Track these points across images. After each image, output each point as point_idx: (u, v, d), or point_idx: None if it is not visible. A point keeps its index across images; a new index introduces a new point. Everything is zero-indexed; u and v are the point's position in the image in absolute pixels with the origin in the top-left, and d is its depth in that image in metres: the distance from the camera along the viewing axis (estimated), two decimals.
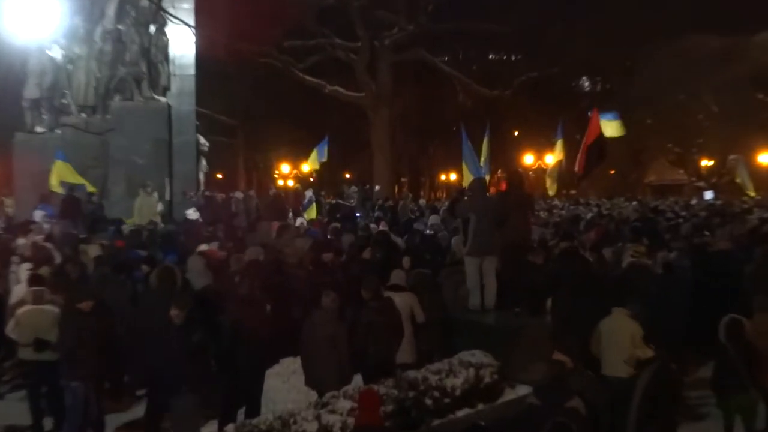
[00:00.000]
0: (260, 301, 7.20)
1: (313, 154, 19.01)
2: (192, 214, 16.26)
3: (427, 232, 13.93)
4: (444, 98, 36.97)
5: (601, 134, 12.05)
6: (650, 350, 6.26)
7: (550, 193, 16.53)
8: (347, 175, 47.55)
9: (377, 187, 22.53)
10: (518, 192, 9.32)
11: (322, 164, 19.27)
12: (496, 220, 8.59)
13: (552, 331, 7.38)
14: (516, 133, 42.70)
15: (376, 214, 17.67)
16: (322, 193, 23.54)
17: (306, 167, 21.27)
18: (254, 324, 6.83)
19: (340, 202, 19.90)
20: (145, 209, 15.40)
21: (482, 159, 15.01)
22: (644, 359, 6.10)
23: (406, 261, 9.00)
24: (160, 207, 16.04)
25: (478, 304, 8.57)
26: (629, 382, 5.93)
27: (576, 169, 12.52)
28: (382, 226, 14.27)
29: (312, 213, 16.85)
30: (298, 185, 22.69)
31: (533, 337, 7.47)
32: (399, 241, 11.58)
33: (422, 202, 24.98)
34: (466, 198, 9.79)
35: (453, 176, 39.12)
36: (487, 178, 14.03)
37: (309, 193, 18.55)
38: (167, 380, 6.21)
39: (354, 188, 20.80)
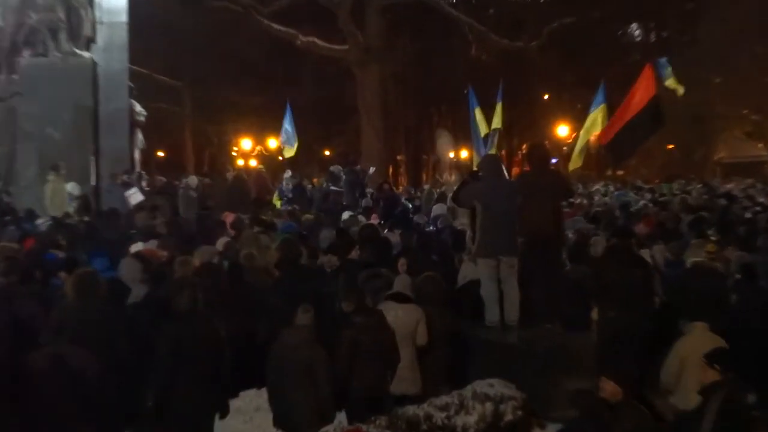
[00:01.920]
0: (211, 318, 7.15)
1: (283, 137, 19.92)
2: (134, 195, 16.27)
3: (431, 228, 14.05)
4: (451, 52, 37.00)
5: (656, 96, 12.03)
6: (714, 372, 6.08)
7: (570, 167, 16.68)
8: (327, 153, 47.66)
9: (372, 169, 22.54)
10: (543, 171, 9.29)
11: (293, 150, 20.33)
12: (509, 210, 8.67)
13: (597, 352, 7.41)
14: (546, 98, 42.89)
15: (363, 203, 17.71)
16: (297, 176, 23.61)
17: (273, 142, 21.71)
18: (202, 348, 6.78)
19: (333, 188, 19.92)
20: (58, 198, 15.42)
21: (485, 128, 15.36)
22: (708, 384, 5.96)
23: (402, 264, 9.03)
24: (77, 192, 16.05)
25: (497, 319, 8.62)
26: (691, 418, 5.91)
27: (600, 141, 12.58)
28: (373, 220, 14.34)
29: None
30: (260, 166, 22.68)
31: (571, 360, 7.50)
32: (394, 237, 11.69)
33: (426, 188, 25.00)
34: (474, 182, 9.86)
35: (464, 153, 39.13)
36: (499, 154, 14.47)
37: (288, 176, 19.09)
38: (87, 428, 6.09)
39: (339, 168, 20.79)
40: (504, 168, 9.97)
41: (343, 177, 19.99)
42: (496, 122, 15.91)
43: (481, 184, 9.14)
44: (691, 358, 6.76)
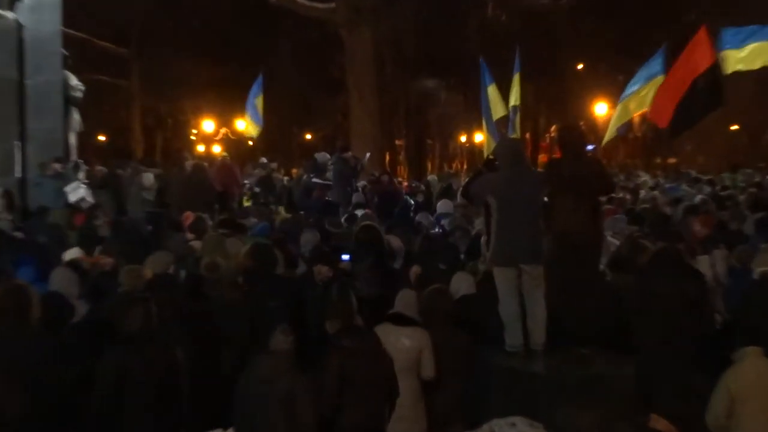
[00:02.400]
0: (166, 341, 7.13)
1: (249, 114, 20.30)
2: (75, 191, 16.31)
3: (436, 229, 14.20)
4: (462, 13, 37.04)
5: (715, 65, 12.03)
6: None
7: (604, 140, 16.61)
8: (308, 137, 47.68)
9: (367, 156, 22.65)
10: (576, 159, 9.19)
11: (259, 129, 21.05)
12: (532, 207, 8.68)
13: (641, 383, 7.41)
14: (579, 68, 42.92)
15: (355, 199, 17.78)
16: (273, 166, 23.71)
17: (242, 124, 21.96)
18: (154, 379, 6.76)
19: (316, 180, 19.94)
20: None
21: (501, 110, 15.55)
22: None
23: (415, 271, 9.14)
24: None
25: (519, 343, 8.54)
26: None
27: (659, 122, 12.55)
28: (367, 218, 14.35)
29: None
30: (225, 153, 22.71)
31: (611, 393, 7.51)
32: (396, 242, 11.64)
33: (431, 179, 25.04)
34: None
35: (479, 137, 39.18)
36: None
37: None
38: None
39: (326, 156, 20.83)
40: (525, 155, 10.03)
41: (331, 167, 20.04)
42: (514, 98, 16.02)
43: (497, 174, 9.10)
44: (745, 391, 6.78)
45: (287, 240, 11.98)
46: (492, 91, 16.34)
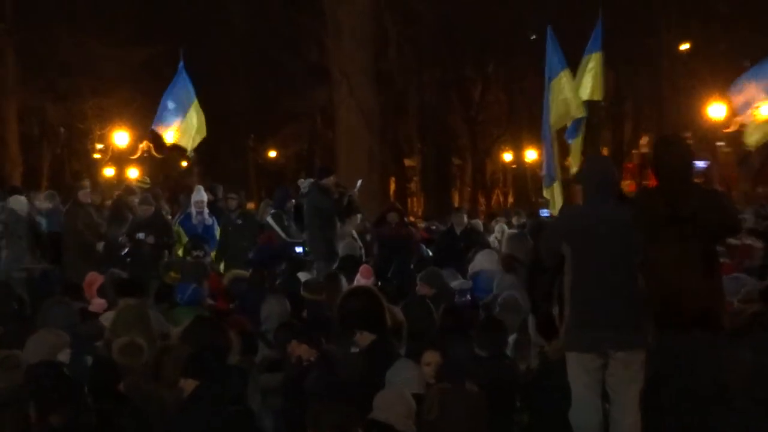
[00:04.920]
0: None
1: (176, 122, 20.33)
2: None
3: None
4: None
5: None
6: None
7: (748, 141, 16.67)
8: (272, 154, 47.53)
9: (359, 183, 22.38)
10: (682, 188, 9.21)
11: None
12: (625, 260, 8.73)
13: None
14: (683, 49, 42.87)
15: (343, 250, 17.90)
16: (232, 196, 23.47)
17: (170, 136, 21.75)
18: None
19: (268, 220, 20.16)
20: None
21: (577, 108, 15.43)
22: None
23: (430, 360, 9.31)
24: None
25: None
26: None
27: None
28: (363, 277, 14.52)
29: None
30: (140, 179, 22.79)
31: None
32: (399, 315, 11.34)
33: (459, 215, 24.85)
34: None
35: (532, 154, 39.30)
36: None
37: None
38: None
39: (303, 182, 21.05)
40: (617, 182, 10.04)
41: (302, 198, 20.02)
42: (590, 90, 16.02)
43: (574, 210, 9.35)
44: None
45: (243, 310, 12.16)
46: (565, 77, 15.98)
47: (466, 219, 22.20)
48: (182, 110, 20.84)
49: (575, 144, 16.28)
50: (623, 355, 8.59)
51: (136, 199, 20.59)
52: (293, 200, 20.50)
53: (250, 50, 37.35)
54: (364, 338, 9.46)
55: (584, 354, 8.70)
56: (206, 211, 20.90)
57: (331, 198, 19.49)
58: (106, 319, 11.71)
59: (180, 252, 19.61)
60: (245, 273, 15.57)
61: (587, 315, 8.67)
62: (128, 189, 22.55)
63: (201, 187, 21.69)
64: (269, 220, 20.23)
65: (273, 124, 43.64)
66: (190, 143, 21.45)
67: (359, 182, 22.16)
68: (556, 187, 15.95)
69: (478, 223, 24.27)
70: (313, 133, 39.73)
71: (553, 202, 16.06)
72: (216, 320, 10.43)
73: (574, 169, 13.97)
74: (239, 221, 21.03)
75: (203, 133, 21.08)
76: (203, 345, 9.51)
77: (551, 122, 15.79)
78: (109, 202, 22.41)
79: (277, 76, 39.01)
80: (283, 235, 19.66)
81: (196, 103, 20.82)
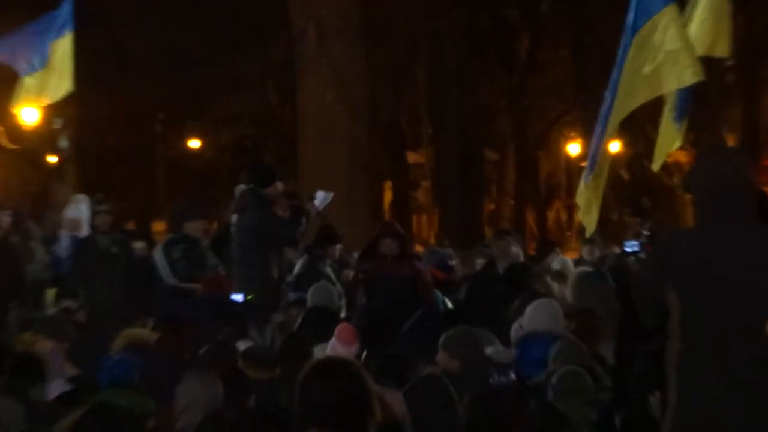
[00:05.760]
0: None
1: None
2: None
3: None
4: None
5: None
6: None
7: None
8: (194, 144, 44.10)
9: (322, 195, 19.12)
10: None
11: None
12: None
13: None
14: None
15: (314, 299, 15.66)
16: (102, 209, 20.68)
17: (32, 114, 19.57)
18: None
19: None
20: None
21: (690, 71, 12.39)
22: None
23: None
24: None
25: None
26: None
27: None
28: (342, 342, 12.73)
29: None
30: None
31: None
32: (396, 402, 10.25)
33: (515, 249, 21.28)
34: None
35: (614, 146, 36.39)
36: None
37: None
38: None
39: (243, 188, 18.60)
40: (754, 193, 7.84)
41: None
42: (710, 42, 12.52)
43: (685, 234, 8.35)
44: None
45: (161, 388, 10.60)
46: (667, 22, 12.32)
47: (515, 249, 18.76)
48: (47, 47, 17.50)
49: (681, 128, 13.22)
50: None
51: None
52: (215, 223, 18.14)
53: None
54: None
55: None
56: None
57: (276, 218, 16.61)
58: None
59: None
60: (146, 335, 12.98)
61: (706, 413, 7.00)
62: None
63: (81, 197, 19.34)
64: (158, 250, 17.40)
65: (197, 98, 39.24)
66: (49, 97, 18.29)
67: (323, 195, 18.61)
68: (591, 186, 13.24)
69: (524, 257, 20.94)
70: (262, 113, 35.81)
71: (587, 211, 13.63)
72: (110, 408, 8.50)
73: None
74: (113, 249, 18.38)
75: (68, 87, 17.30)
76: None
77: (641, 91, 12.27)
78: None
79: (204, 20, 34.78)
80: (164, 272, 16.59)
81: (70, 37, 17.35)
